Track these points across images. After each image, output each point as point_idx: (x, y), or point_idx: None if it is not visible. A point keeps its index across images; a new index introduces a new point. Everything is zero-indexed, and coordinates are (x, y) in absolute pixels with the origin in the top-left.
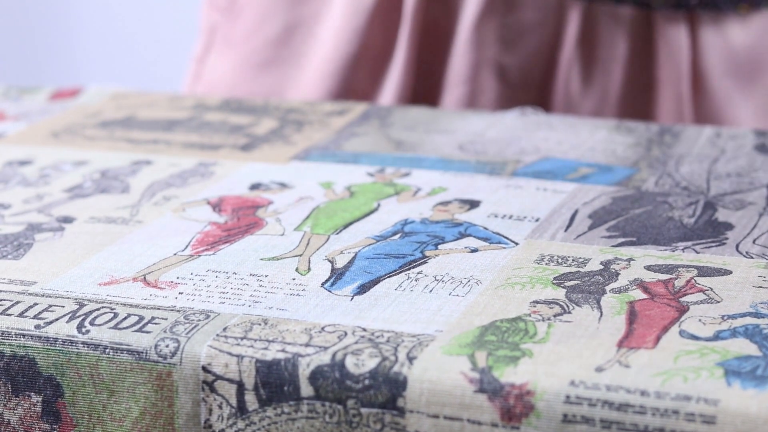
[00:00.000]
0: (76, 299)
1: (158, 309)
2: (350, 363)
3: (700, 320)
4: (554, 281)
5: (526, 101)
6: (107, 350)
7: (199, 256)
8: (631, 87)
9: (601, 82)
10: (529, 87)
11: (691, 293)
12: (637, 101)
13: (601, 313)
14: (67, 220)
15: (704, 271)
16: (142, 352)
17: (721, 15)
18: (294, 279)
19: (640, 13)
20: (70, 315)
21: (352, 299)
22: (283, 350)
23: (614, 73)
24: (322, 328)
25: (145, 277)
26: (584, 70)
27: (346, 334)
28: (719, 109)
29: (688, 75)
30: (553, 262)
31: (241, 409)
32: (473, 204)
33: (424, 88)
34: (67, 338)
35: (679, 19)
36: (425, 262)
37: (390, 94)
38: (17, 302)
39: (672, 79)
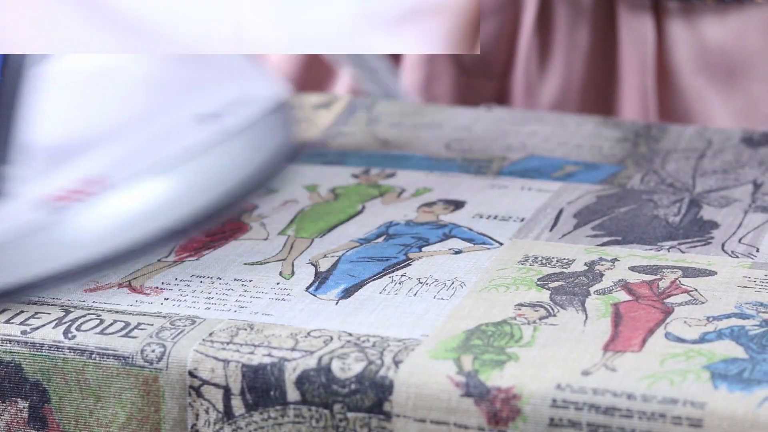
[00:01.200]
0: (62, 306)
1: (144, 315)
2: (336, 367)
3: (685, 322)
4: (538, 282)
5: (483, 89)
6: (93, 355)
7: (183, 261)
8: (593, 78)
9: (561, 73)
10: (486, 75)
11: (675, 294)
12: (599, 93)
13: (586, 315)
14: None
15: (689, 272)
16: (128, 357)
17: (689, 6)
18: (278, 283)
19: (601, 0)
20: (56, 321)
21: (337, 303)
22: (269, 355)
23: (575, 62)
24: (308, 333)
25: (130, 283)
26: (543, 59)
27: (331, 338)
28: (689, 107)
29: (653, 68)
30: (537, 263)
31: (228, 414)
32: (458, 205)
33: None
34: (53, 343)
35: (644, 8)
36: (409, 265)
37: (348, 79)
38: (4, 309)
39: (636, 72)
